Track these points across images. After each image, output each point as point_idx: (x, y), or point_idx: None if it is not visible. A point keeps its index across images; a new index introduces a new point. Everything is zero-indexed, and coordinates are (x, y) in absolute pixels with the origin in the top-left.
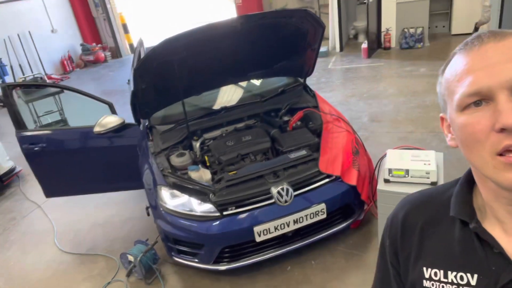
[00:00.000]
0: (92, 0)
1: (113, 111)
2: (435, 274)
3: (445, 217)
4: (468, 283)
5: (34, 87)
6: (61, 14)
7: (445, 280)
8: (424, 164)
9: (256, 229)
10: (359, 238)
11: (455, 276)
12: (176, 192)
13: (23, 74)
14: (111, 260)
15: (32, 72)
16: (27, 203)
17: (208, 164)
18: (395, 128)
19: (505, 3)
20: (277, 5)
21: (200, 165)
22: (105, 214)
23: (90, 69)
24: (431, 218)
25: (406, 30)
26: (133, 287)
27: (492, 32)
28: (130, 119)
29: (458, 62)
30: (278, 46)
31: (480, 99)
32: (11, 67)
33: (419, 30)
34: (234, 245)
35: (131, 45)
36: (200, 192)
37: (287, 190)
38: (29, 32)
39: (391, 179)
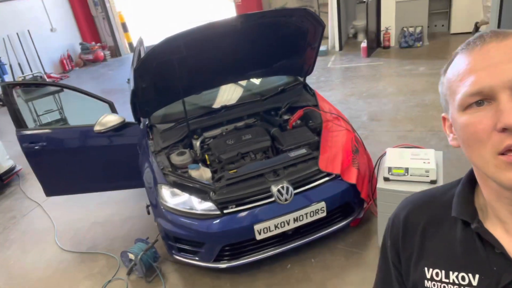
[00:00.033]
0: None
1: (114, 110)
2: (437, 274)
3: (446, 217)
4: (469, 284)
5: (34, 86)
6: (60, 13)
7: (447, 281)
8: (424, 162)
9: (257, 227)
10: (358, 236)
11: (457, 277)
12: (176, 190)
13: (22, 73)
14: (111, 258)
15: (32, 71)
16: (27, 201)
17: (208, 162)
18: (395, 127)
19: (504, 3)
20: (276, 4)
21: (200, 164)
22: (105, 213)
23: (89, 68)
24: (433, 218)
25: (405, 29)
26: (133, 285)
27: (494, 32)
28: (130, 118)
29: (460, 62)
30: (278, 45)
31: (482, 98)
32: (11, 66)
33: (418, 29)
34: (235, 243)
35: (130, 44)
36: (200, 191)
37: (287, 188)
38: (28, 31)
39: (391, 177)
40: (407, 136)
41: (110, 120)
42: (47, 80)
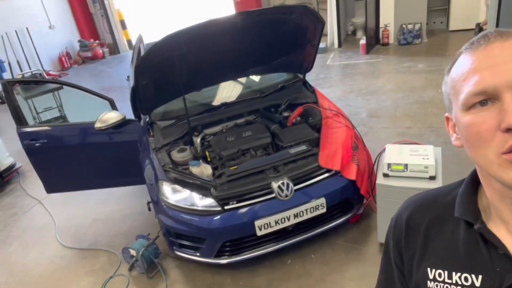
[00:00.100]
0: None
1: (114, 107)
2: (439, 275)
3: (449, 218)
4: (472, 284)
5: (34, 83)
6: (58, 10)
7: (449, 281)
8: (423, 158)
9: (257, 223)
10: (358, 232)
11: (460, 277)
12: (177, 187)
13: (21, 71)
14: (112, 254)
15: (30, 69)
16: (27, 199)
17: (209, 159)
18: (394, 123)
19: (502, 3)
20: (275, 1)
21: (201, 161)
22: (106, 210)
23: (88, 65)
24: (435, 218)
25: (404, 26)
26: (135, 281)
27: (498, 31)
28: (130, 115)
29: (464, 61)
30: (278, 42)
31: (485, 98)
32: (9, 63)
33: (417, 26)
34: (235, 239)
35: (129, 41)
36: (201, 187)
37: (288, 184)
38: (26, 28)
39: (390, 173)
40: (406, 133)
41: (111, 117)
42: (47, 77)
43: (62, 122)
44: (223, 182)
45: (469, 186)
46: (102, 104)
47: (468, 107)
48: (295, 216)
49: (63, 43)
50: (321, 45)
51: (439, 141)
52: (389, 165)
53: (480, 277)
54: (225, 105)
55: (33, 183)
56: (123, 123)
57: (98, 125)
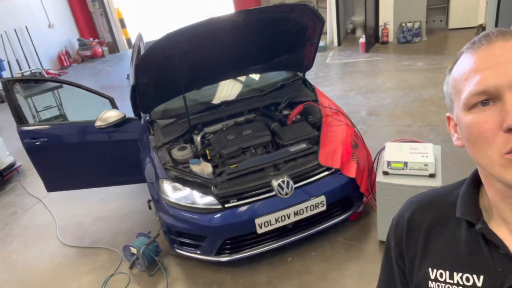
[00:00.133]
0: None
1: (114, 106)
2: (441, 275)
3: (451, 218)
4: (474, 285)
5: (34, 82)
6: (57, 9)
7: (451, 281)
8: (422, 156)
9: (258, 221)
10: (358, 229)
11: (461, 277)
12: (178, 185)
13: (20, 70)
14: (113, 253)
15: (30, 68)
16: (28, 197)
17: (209, 157)
18: (393, 121)
19: (501, 3)
20: (275, 0)
21: (201, 159)
22: (106, 208)
23: (88, 64)
24: (437, 218)
25: (403, 24)
26: (136, 278)
27: (500, 31)
28: (130, 114)
29: (465, 61)
30: (278, 40)
31: (487, 98)
32: (8, 62)
33: (416, 25)
34: (236, 237)
35: (128, 40)
36: (201, 185)
37: (288, 182)
38: (26, 27)
39: (390, 171)
40: (406, 131)
41: (111, 115)
42: (46, 76)
43: (62, 121)
44: (224, 180)
45: (470, 186)
46: (102, 103)
47: (470, 107)
48: (295, 214)
49: (62, 41)
50: (321, 43)
51: (439, 139)
52: (389, 163)
53: (481, 277)
54: (225, 103)
55: (33, 181)
56: (123, 122)
57: (98, 123)
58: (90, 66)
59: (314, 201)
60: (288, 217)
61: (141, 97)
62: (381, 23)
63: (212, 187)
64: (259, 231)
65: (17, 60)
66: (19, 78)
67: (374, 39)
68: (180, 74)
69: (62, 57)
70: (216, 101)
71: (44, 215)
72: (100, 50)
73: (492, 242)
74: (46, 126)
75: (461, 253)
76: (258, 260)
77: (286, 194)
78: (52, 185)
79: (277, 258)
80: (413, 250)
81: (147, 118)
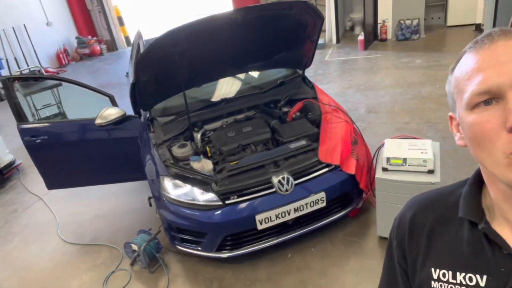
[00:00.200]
0: None
1: (114, 104)
2: (444, 275)
3: (453, 218)
4: (477, 285)
5: (34, 80)
6: (56, 7)
7: (454, 281)
8: (421, 152)
9: (258, 217)
10: (357, 226)
11: (464, 277)
12: (178, 182)
13: (19, 68)
14: (114, 250)
15: (28, 66)
16: (28, 195)
17: (209, 154)
18: (392, 119)
19: (499, 3)
20: None
21: (201, 156)
22: (107, 206)
23: (86, 62)
24: (439, 218)
25: (402, 21)
26: (137, 275)
27: (502, 30)
28: (130, 112)
29: (468, 61)
30: (277, 37)
31: (490, 97)
32: (7, 60)
33: (415, 22)
34: (236, 233)
35: (126, 38)
36: (202, 182)
37: (288, 179)
38: (24, 25)
39: (389, 167)
40: (404, 128)
41: (111, 113)
42: (45, 74)
43: (62, 119)
44: (224, 177)
45: (473, 186)
46: (101, 101)
47: (472, 106)
48: (295, 210)
49: (61, 40)
50: (320, 41)
51: (437, 136)
52: (388, 159)
53: (484, 277)
54: (225, 101)
55: (33, 179)
56: (123, 119)
57: (98, 121)
58: (89, 64)
59: (314, 197)
60: (288, 214)
61: (141, 94)
62: (379, 20)
63: (213, 184)
64: (260, 227)
65: (15, 59)
66: (19, 76)
67: (373, 37)
68: (180, 71)
69: (61, 55)
70: (216, 98)
71: (44, 213)
72: (98, 48)
73: (495, 242)
74: (46, 124)
75: (464, 253)
76: (258, 256)
77: (286, 190)
78: (52, 183)
79: (277, 254)
80: (415, 250)
81: (147, 116)
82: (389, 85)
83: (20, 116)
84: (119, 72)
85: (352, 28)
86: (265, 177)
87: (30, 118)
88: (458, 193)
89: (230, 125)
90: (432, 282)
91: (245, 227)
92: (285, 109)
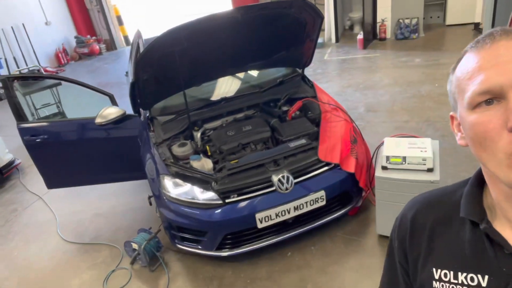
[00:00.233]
0: None
1: (114, 103)
2: (445, 275)
3: (455, 218)
4: (478, 285)
5: (34, 79)
6: (55, 6)
7: (455, 281)
8: (421, 151)
9: (258, 216)
10: (357, 224)
11: (466, 277)
12: (178, 181)
13: (18, 67)
14: (114, 249)
15: (27, 65)
16: (28, 194)
17: (209, 153)
18: (391, 117)
19: (498, 2)
20: None
21: (201, 155)
22: (107, 205)
23: (85, 61)
24: (441, 218)
25: (401, 21)
26: (137, 274)
27: (504, 30)
28: (129, 111)
29: (469, 60)
30: (277, 36)
31: (491, 97)
32: (6, 60)
33: (414, 21)
34: (236, 232)
35: (125, 37)
36: (202, 181)
37: (288, 178)
38: (22, 24)
39: (389, 166)
40: (404, 127)
41: (111, 112)
42: (44, 74)
43: (62, 118)
44: (224, 175)
45: (474, 185)
46: (100, 101)
47: (474, 106)
48: (295, 208)
49: (60, 39)
50: (319, 40)
51: (436, 134)
52: (387, 157)
53: (486, 277)
54: (224, 100)
55: (32, 179)
56: (123, 119)
57: (98, 120)
58: (88, 64)
59: (313, 196)
60: (288, 212)
61: (141, 93)
62: (378, 19)
63: (213, 183)
64: (260, 226)
65: (14, 58)
66: (19, 75)
67: (372, 36)
68: (180, 70)
69: (60, 55)
70: (215, 97)
71: (44, 212)
72: (97, 47)
73: (497, 242)
74: (46, 123)
75: (465, 253)
76: (258, 254)
77: (286, 189)
78: (52, 182)
79: (277, 253)
80: (416, 250)
81: (147, 115)
82: (388, 84)
83: (20, 115)
84: (118, 72)
85: (351, 27)
86: (265, 175)
87: (30, 118)
88: (459, 193)
89: (230, 124)
90: (434, 282)
91: (245, 225)
92: (284, 108)
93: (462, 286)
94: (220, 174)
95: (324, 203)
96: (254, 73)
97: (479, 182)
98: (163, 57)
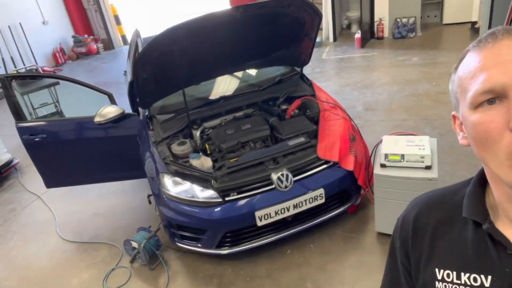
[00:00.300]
0: None
1: (113, 102)
2: (448, 275)
3: (457, 218)
4: (481, 285)
5: (33, 78)
6: (52, 6)
7: (458, 282)
8: (419, 149)
9: (258, 213)
10: (356, 222)
11: (468, 278)
12: (178, 179)
13: (15, 67)
14: (114, 248)
15: (24, 65)
16: (26, 194)
17: (208, 152)
18: (389, 116)
19: (495, 1)
20: None
21: (201, 153)
22: (106, 204)
23: (83, 61)
24: (443, 218)
25: (398, 20)
26: (137, 273)
27: (506, 29)
28: (128, 110)
29: (471, 59)
30: (276, 35)
31: (493, 97)
32: (3, 59)
33: (411, 20)
34: (236, 230)
35: (123, 37)
36: (202, 179)
37: (287, 176)
38: (20, 24)
39: (387, 163)
40: (402, 125)
41: (110, 111)
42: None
43: (60, 117)
44: (224, 174)
45: (476, 185)
46: (98, 100)
47: (476, 105)
48: (295, 206)
49: (57, 38)
50: (317, 39)
51: (434, 132)
52: (386, 155)
53: (489, 277)
54: (223, 98)
55: (31, 178)
56: (122, 117)
57: (97, 119)
58: (85, 63)
59: (313, 194)
60: (288, 210)
61: (140, 92)
62: (376, 18)
63: (212, 181)
64: (259, 223)
65: (11, 58)
66: (18, 74)
67: (370, 35)
68: (179, 69)
69: (57, 54)
70: (214, 96)
71: (43, 211)
72: (95, 47)
73: (499, 242)
74: (45, 122)
75: (468, 253)
76: (258, 252)
77: (286, 187)
78: (51, 181)
79: (276, 251)
80: (419, 250)
81: (146, 114)
82: (386, 83)
83: (18, 114)
84: (116, 71)
85: (348, 26)
86: (265, 174)
87: (28, 117)
88: (461, 193)
89: (229, 122)
90: (436, 282)
91: (244, 223)
92: (283, 107)
93: (465, 287)
94: (219, 172)
95: (323, 201)
96: (252, 71)
97: (481, 181)
98: (162, 56)
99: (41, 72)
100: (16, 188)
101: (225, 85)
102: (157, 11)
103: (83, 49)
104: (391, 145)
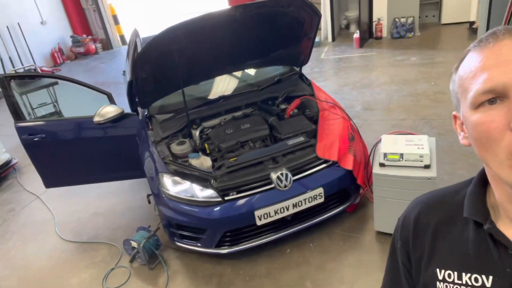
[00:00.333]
0: None
1: (112, 101)
2: (449, 275)
3: (458, 218)
4: (483, 285)
5: (31, 78)
6: (50, 6)
7: (459, 282)
8: (418, 148)
9: (257, 213)
10: (355, 221)
11: (470, 278)
12: (178, 179)
13: (13, 67)
14: (113, 247)
15: (22, 65)
16: (25, 194)
17: (208, 151)
18: (388, 116)
19: (493, 1)
20: None
21: (200, 153)
22: (105, 204)
23: (81, 61)
24: (444, 218)
25: (397, 19)
26: (136, 272)
27: (507, 28)
28: (128, 110)
29: (472, 59)
30: (275, 35)
31: (494, 96)
32: (1, 60)
33: (410, 20)
34: (236, 229)
35: (121, 37)
36: (201, 179)
37: (286, 175)
38: (18, 24)
39: (386, 163)
40: (400, 125)
41: (109, 111)
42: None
43: (59, 117)
44: (223, 173)
45: (477, 185)
46: (97, 100)
47: (477, 105)
48: (294, 206)
49: (55, 38)
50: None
51: (433, 132)
52: (385, 154)
53: (490, 277)
54: (223, 98)
55: (29, 178)
56: (121, 117)
57: (96, 119)
58: (84, 63)
59: (312, 193)
60: (287, 209)
61: (139, 92)
62: (374, 18)
63: (212, 180)
64: (259, 223)
65: (10, 58)
66: (17, 74)
67: (368, 35)
68: (178, 69)
69: (55, 54)
70: (213, 96)
71: (42, 211)
72: (93, 47)
73: (500, 242)
74: (44, 122)
75: (469, 254)
76: (257, 252)
77: (285, 186)
78: (50, 181)
79: (276, 250)
80: (420, 250)
81: (145, 113)
82: (385, 83)
83: (17, 114)
84: (114, 71)
85: (347, 26)
86: (264, 173)
87: (26, 117)
88: (462, 193)
89: (228, 122)
90: (438, 282)
91: (244, 223)
92: (282, 106)
93: (466, 287)
94: (219, 172)
95: (322, 200)
96: (251, 71)
97: (482, 182)
98: (161, 56)
99: (40, 72)
100: (15, 188)
101: (224, 85)
102: (156, 11)
103: (81, 49)
104: (390, 144)
